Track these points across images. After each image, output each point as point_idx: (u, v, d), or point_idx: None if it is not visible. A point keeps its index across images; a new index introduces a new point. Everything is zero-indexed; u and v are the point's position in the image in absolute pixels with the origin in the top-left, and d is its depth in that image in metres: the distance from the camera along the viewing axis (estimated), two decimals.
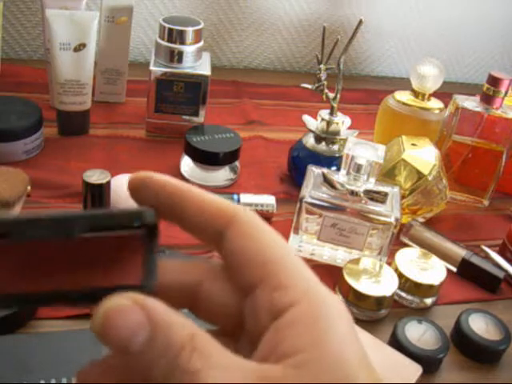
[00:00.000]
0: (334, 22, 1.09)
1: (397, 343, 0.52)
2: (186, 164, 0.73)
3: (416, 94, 0.80)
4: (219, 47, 1.07)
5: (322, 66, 0.70)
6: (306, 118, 0.75)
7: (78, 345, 0.46)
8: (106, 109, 0.85)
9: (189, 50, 0.76)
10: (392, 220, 0.59)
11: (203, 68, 0.78)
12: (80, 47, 0.71)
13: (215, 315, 0.24)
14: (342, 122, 0.72)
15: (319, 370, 0.19)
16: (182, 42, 0.75)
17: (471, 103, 0.75)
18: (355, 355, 0.20)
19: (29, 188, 0.60)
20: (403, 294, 0.60)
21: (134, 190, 0.24)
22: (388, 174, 0.69)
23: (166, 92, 0.77)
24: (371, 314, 0.57)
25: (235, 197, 0.67)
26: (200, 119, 0.79)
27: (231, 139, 0.73)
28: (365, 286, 0.56)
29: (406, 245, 0.68)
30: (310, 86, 0.71)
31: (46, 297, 0.20)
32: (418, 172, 0.68)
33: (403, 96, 0.81)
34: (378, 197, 0.60)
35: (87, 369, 0.23)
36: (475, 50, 1.19)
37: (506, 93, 0.73)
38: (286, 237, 0.63)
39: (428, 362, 0.52)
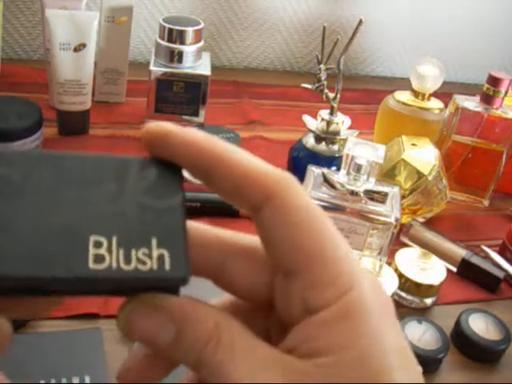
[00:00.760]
0: (334, 22, 1.08)
1: None
2: None
3: (416, 93, 0.80)
4: (219, 47, 1.07)
5: (322, 66, 0.70)
6: (306, 118, 0.74)
7: (78, 345, 0.46)
8: (106, 109, 0.85)
9: (189, 50, 0.76)
10: (392, 220, 0.59)
11: (203, 68, 0.78)
12: (80, 47, 0.71)
13: (241, 291, 0.23)
14: (342, 121, 0.72)
15: (349, 374, 0.19)
16: (182, 42, 0.75)
17: (471, 103, 0.75)
18: (392, 359, 0.19)
19: None
20: (403, 294, 0.60)
21: (151, 146, 0.21)
22: (388, 174, 0.69)
23: (166, 92, 0.77)
24: None
25: None
26: (200, 119, 0.79)
27: (231, 139, 0.73)
28: None
29: (406, 245, 0.68)
30: (310, 86, 0.71)
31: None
32: (418, 172, 0.68)
33: (403, 96, 0.81)
34: (377, 197, 0.60)
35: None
36: (475, 50, 1.19)
37: (506, 93, 0.73)
38: None
39: (428, 362, 0.52)
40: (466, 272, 0.65)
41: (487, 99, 0.73)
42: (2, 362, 0.46)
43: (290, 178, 0.21)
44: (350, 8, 1.09)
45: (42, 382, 0.43)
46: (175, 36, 0.75)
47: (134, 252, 0.20)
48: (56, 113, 0.76)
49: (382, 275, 0.58)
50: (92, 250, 0.19)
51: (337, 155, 0.72)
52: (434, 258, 0.62)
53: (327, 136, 0.72)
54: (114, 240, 0.19)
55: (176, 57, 0.76)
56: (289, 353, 0.20)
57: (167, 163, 0.22)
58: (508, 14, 1.17)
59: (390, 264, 0.61)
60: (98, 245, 0.19)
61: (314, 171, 0.63)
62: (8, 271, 0.18)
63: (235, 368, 0.19)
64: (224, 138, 0.73)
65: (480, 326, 0.56)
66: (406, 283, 0.59)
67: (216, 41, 1.06)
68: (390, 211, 0.59)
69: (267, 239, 0.21)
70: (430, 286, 0.59)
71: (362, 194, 0.60)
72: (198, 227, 0.22)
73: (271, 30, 1.08)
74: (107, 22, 0.80)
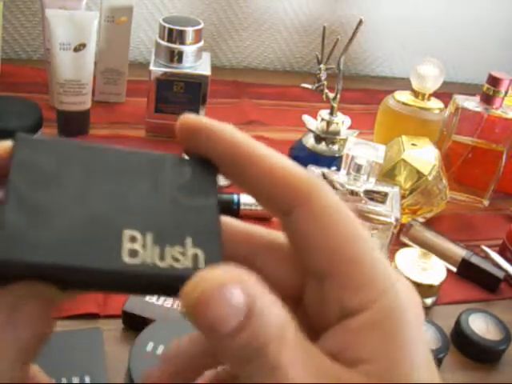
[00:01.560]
0: (334, 22, 1.08)
1: None
2: None
3: (416, 93, 0.80)
4: (219, 47, 1.07)
5: (322, 66, 0.70)
6: (306, 118, 0.75)
7: (78, 345, 0.46)
8: (106, 109, 0.85)
9: (189, 50, 0.76)
10: (392, 220, 0.59)
11: (203, 68, 0.78)
12: (80, 47, 0.71)
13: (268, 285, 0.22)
14: (342, 122, 0.72)
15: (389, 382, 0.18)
16: (182, 42, 0.75)
17: (471, 103, 0.75)
18: (421, 373, 0.19)
19: None
20: None
21: (186, 138, 0.21)
22: (388, 174, 0.69)
23: (166, 92, 0.77)
24: None
25: (235, 197, 0.67)
26: None
27: None
28: None
29: (406, 245, 0.68)
30: (310, 86, 0.71)
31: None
32: (418, 172, 0.68)
33: (403, 96, 0.81)
34: (377, 197, 0.60)
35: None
36: (475, 50, 1.19)
37: (506, 93, 0.73)
38: None
39: None
40: (466, 272, 0.65)
41: (487, 99, 0.73)
42: None
43: (321, 182, 0.21)
44: (350, 8, 1.09)
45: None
46: (175, 36, 0.75)
47: (168, 249, 0.19)
48: (56, 113, 0.76)
49: None
50: (126, 244, 0.19)
51: (337, 155, 0.72)
52: (434, 258, 0.62)
53: (327, 136, 0.72)
54: (149, 236, 0.19)
55: (176, 57, 0.76)
56: (332, 360, 0.19)
57: (203, 161, 0.21)
58: (508, 14, 1.17)
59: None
60: (132, 240, 0.19)
61: (313, 171, 0.63)
62: (35, 258, 0.17)
63: (293, 371, 0.18)
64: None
65: (480, 326, 0.56)
66: None
67: (216, 41, 1.06)
68: (390, 211, 0.59)
69: (299, 242, 0.20)
70: (430, 286, 0.59)
71: (362, 194, 0.60)
72: (228, 221, 0.22)
73: (271, 30, 1.08)
74: (107, 22, 0.80)
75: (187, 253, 0.20)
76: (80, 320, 0.50)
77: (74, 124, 0.76)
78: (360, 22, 0.66)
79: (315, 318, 0.21)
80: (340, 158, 0.70)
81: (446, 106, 0.80)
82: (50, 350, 0.45)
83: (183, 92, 0.77)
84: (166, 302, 0.50)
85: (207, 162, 0.21)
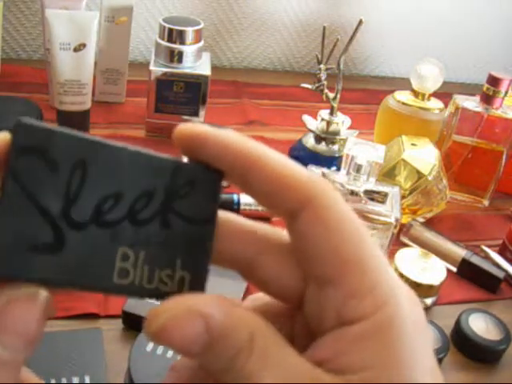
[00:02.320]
0: (334, 22, 1.09)
1: None
2: None
3: (416, 94, 0.80)
4: (219, 47, 1.07)
5: (322, 66, 0.70)
6: (306, 118, 0.75)
7: (78, 345, 0.46)
8: (106, 109, 0.85)
9: (189, 50, 0.76)
10: (392, 220, 0.59)
11: (203, 68, 0.78)
12: (80, 47, 0.71)
13: (269, 287, 0.22)
14: (342, 122, 0.72)
15: None
16: (182, 42, 0.75)
17: (471, 103, 0.75)
18: (428, 376, 0.19)
19: None
20: None
21: (185, 147, 0.21)
22: (388, 174, 0.69)
23: (166, 92, 0.77)
24: None
25: (235, 197, 0.67)
26: (200, 119, 0.79)
27: None
28: None
29: (406, 245, 0.68)
30: (310, 86, 0.71)
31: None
32: (418, 172, 0.68)
33: (403, 96, 0.81)
34: (377, 197, 0.60)
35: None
36: (475, 50, 1.19)
37: (506, 93, 0.73)
38: None
39: None
40: (466, 272, 0.65)
41: (487, 99, 0.73)
42: None
43: (328, 185, 0.20)
44: (350, 8, 1.09)
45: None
46: (175, 36, 0.75)
47: (157, 272, 0.20)
48: (56, 113, 0.76)
49: None
50: (118, 263, 0.19)
51: (337, 155, 0.72)
52: (434, 258, 0.62)
53: (327, 136, 0.72)
54: (141, 256, 0.20)
55: (176, 57, 0.76)
56: (318, 365, 0.19)
57: (207, 167, 0.21)
58: (508, 14, 1.17)
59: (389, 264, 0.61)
60: (124, 258, 0.19)
61: (313, 171, 0.63)
62: (30, 275, 0.18)
63: (265, 379, 0.18)
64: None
65: (480, 325, 0.56)
66: (405, 283, 0.59)
67: (216, 41, 1.06)
68: (390, 211, 0.59)
69: (303, 246, 0.20)
70: (430, 286, 0.59)
71: (362, 194, 0.60)
72: (234, 219, 0.22)
73: (271, 30, 1.08)
74: (107, 22, 0.80)
75: (175, 276, 0.20)
76: (80, 320, 0.50)
77: (74, 124, 0.76)
78: (360, 22, 0.66)
79: (313, 323, 0.21)
80: (340, 158, 0.70)
81: (446, 106, 0.80)
82: (50, 349, 0.45)
83: (183, 92, 0.77)
84: None
85: (211, 167, 0.21)
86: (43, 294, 0.19)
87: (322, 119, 0.72)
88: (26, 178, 0.18)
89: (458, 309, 0.58)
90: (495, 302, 0.63)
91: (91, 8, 0.89)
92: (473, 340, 0.55)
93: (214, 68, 0.79)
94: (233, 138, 0.20)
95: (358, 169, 0.59)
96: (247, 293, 0.52)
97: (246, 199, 0.67)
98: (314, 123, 0.74)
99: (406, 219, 0.69)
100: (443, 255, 0.65)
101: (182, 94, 0.77)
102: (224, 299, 0.19)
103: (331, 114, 0.72)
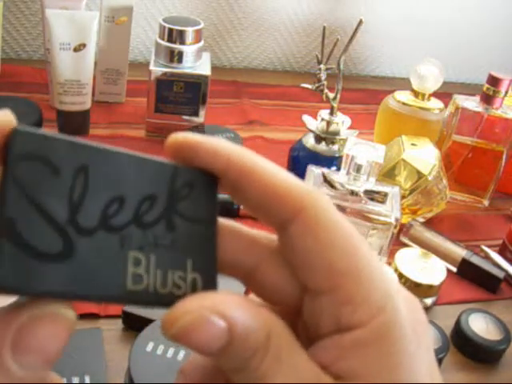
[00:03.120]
0: (334, 22, 1.09)
1: None
2: None
3: (416, 94, 0.80)
4: (219, 47, 1.07)
5: (322, 66, 0.70)
6: (306, 118, 0.74)
7: (78, 345, 0.46)
8: (106, 109, 0.85)
9: (189, 50, 0.76)
10: (392, 220, 0.59)
11: (203, 68, 0.78)
12: (80, 47, 0.71)
13: (270, 294, 0.22)
14: (342, 122, 0.72)
15: None
16: (182, 42, 0.75)
17: (471, 103, 0.75)
18: (428, 379, 0.19)
19: None
20: None
21: (178, 157, 0.21)
22: (388, 174, 0.69)
23: (165, 92, 0.77)
24: None
25: None
26: (200, 119, 0.79)
27: (231, 139, 0.73)
28: None
29: (406, 245, 0.68)
30: (310, 86, 0.71)
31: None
32: (418, 172, 0.68)
33: (403, 96, 0.81)
34: (377, 197, 0.60)
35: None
36: (475, 50, 1.19)
37: (506, 93, 0.73)
38: None
39: None
40: (466, 272, 0.65)
41: (487, 99, 0.73)
42: None
43: (319, 194, 0.20)
44: (350, 8, 1.09)
45: None
46: (175, 36, 0.75)
47: (170, 275, 0.20)
48: (56, 113, 0.76)
49: None
50: (131, 269, 0.19)
51: (337, 155, 0.72)
52: (434, 258, 0.62)
53: (327, 136, 0.72)
54: (152, 259, 0.19)
55: (176, 57, 0.76)
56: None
57: (203, 173, 0.21)
58: (508, 14, 1.17)
59: (390, 264, 0.61)
60: (136, 262, 0.19)
61: (313, 171, 0.63)
62: (42, 287, 0.17)
63: (277, 380, 0.18)
64: (224, 138, 0.73)
65: (480, 326, 0.56)
66: (405, 283, 0.59)
67: (216, 41, 1.06)
68: (390, 211, 0.59)
69: (296, 256, 0.20)
70: (430, 286, 0.59)
71: (362, 194, 0.60)
72: (234, 227, 0.22)
73: (271, 30, 1.08)
74: (107, 22, 0.80)
75: (187, 278, 0.20)
76: (80, 320, 0.50)
77: (74, 124, 0.76)
78: (360, 22, 0.66)
79: (311, 327, 0.21)
80: (340, 158, 0.70)
81: (446, 106, 0.80)
82: None
83: (183, 92, 0.77)
84: None
85: (207, 173, 0.21)
86: (71, 313, 0.18)
87: (322, 119, 0.72)
88: (27, 185, 0.17)
89: (458, 309, 0.58)
90: (495, 302, 0.63)
91: (91, 8, 0.89)
92: (473, 340, 0.55)
93: (214, 68, 0.79)
94: (224, 146, 0.20)
95: (358, 169, 0.59)
96: (247, 292, 0.52)
97: None
98: (314, 123, 0.74)
99: (405, 219, 0.69)
100: (443, 255, 0.65)
101: (181, 94, 0.77)
102: (245, 299, 0.19)
103: (331, 113, 0.72)
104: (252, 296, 0.23)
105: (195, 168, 0.21)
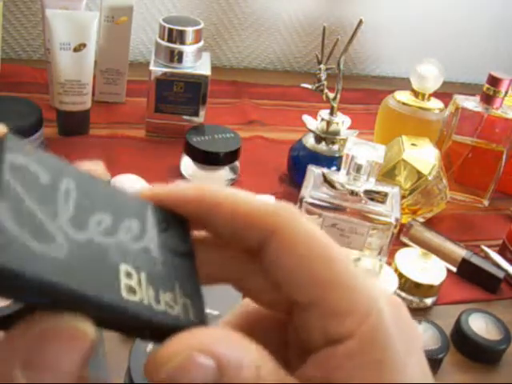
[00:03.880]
0: (334, 22, 1.08)
1: None
2: (186, 164, 0.73)
3: (416, 94, 0.80)
4: (219, 47, 1.07)
5: (322, 66, 0.70)
6: (306, 118, 0.74)
7: None
8: (106, 109, 0.85)
9: (189, 50, 0.76)
10: (392, 220, 0.59)
11: (203, 68, 0.78)
12: (80, 47, 0.71)
13: (260, 300, 0.22)
14: (342, 122, 0.72)
15: None
16: (182, 42, 0.75)
17: (471, 103, 0.75)
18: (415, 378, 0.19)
19: None
20: (403, 294, 0.60)
21: (155, 202, 0.21)
22: (388, 174, 0.69)
23: (165, 92, 0.77)
24: None
25: None
26: (200, 119, 0.79)
27: (231, 139, 0.73)
28: None
29: (406, 245, 0.68)
30: (309, 86, 0.71)
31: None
32: (418, 172, 0.68)
33: (403, 96, 0.81)
34: (377, 197, 0.60)
35: None
36: (475, 50, 1.19)
37: (506, 93, 0.73)
38: None
39: (428, 362, 0.52)
40: (466, 272, 0.65)
41: (487, 99, 0.73)
42: None
43: (289, 209, 0.20)
44: (350, 8, 1.09)
45: None
46: (175, 36, 0.75)
47: (162, 294, 0.19)
48: (56, 113, 0.76)
49: (381, 275, 0.58)
50: (123, 279, 0.18)
51: (337, 155, 0.72)
52: (434, 258, 0.62)
53: (327, 136, 0.72)
54: (143, 276, 0.19)
55: (176, 57, 0.76)
56: (308, 381, 0.19)
57: (175, 214, 0.21)
58: (508, 14, 1.17)
59: (390, 264, 0.61)
60: (128, 275, 0.18)
61: (314, 171, 0.63)
62: (38, 273, 0.16)
63: None
64: (224, 138, 0.73)
65: (480, 325, 0.56)
66: (405, 283, 0.59)
67: (216, 41, 1.06)
68: (390, 211, 0.59)
69: (277, 275, 0.20)
70: (430, 286, 0.59)
71: (362, 194, 0.60)
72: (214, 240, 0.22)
73: (271, 30, 1.08)
74: (107, 22, 0.80)
75: (178, 301, 0.19)
76: None
77: (74, 124, 0.76)
78: (360, 22, 0.66)
79: (304, 341, 0.20)
80: (340, 158, 0.70)
81: (446, 106, 0.80)
82: None
83: (183, 92, 0.77)
84: None
85: (179, 214, 0.21)
86: (90, 329, 0.17)
87: (322, 119, 0.72)
88: (20, 192, 0.17)
89: (458, 309, 0.58)
90: (495, 302, 0.63)
91: (91, 8, 0.89)
92: (473, 340, 0.55)
93: (214, 68, 0.79)
94: (186, 193, 0.21)
95: (358, 169, 0.59)
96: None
97: None
98: (314, 123, 0.74)
99: (405, 219, 0.69)
100: (443, 255, 0.65)
101: (181, 94, 0.77)
102: (233, 333, 0.19)
103: (331, 114, 0.72)
104: (247, 301, 0.23)
105: (166, 210, 0.21)
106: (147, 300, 0.18)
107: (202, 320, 0.20)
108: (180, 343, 0.18)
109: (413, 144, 0.71)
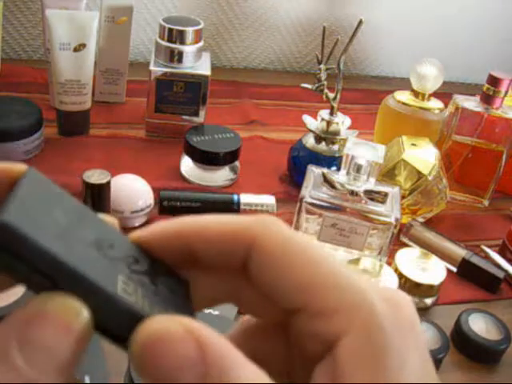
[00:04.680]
0: (334, 22, 1.09)
1: None
2: (186, 164, 0.73)
3: (416, 94, 0.80)
4: (219, 47, 1.07)
5: (322, 66, 0.70)
6: (306, 118, 0.75)
7: None
8: (106, 109, 0.85)
9: (189, 50, 0.76)
10: (392, 220, 0.59)
11: (203, 68, 0.78)
12: (80, 47, 0.71)
13: (260, 317, 0.22)
14: (342, 122, 0.72)
15: None
16: (182, 42, 0.75)
17: (471, 103, 0.75)
18: (420, 373, 0.18)
19: None
20: None
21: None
22: (388, 174, 0.69)
23: (165, 92, 0.77)
24: None
25: (235, 197, 0.67)
26: (200, 119, 0.79)
27: (231, 139, 0.73)
28: None
29: (406, 245, 0.68)
30: (309, 86, 0.71)
31: None
32: (418, 172, 0.68)
33: (403, 96, 0.81)
34: (377, 197, 0.60)
35: None
36: (475, 50, 1.19)
37: (506, 93, 0.73)
38: None
39: None
40: (466, 272, 0.65)
41: (487, 99, 0.73)
42: None
43: (264, 219, 0.20)
44: (350, 8, 1.09)
45: None
46: (175, 36, 0.75)
47: (156, 309, 0.19)
48: (56, 113, 0.76)
49: (381, 275, 0.58)
50: (120, 283, 0.18)
51: (337, 155, 0.72)
52: (434, 258, 0.62)
53: (327, 136, 0.72)
54: (140, 291, 0.19)
55: (176, 57, 0.76)
56: None
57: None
58: (508, 14, 1.17)
59: (390, 264, 0.61)
60: (126, 283, 0.18)
61: (314, 171, 0.63)
62: (40, 241, 0.16)
63: None
64: (224, 138, 0.73)
65: (480, 325, 0.56)
66: (405, 283, 0.59)
67: (216, 41, 1.06)
68: (390, 211, 0.59)
69: (263, 287, 0.20)
70: (430, 286, 0.59)
71: (362, 194, 0.60)
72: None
73: (271, 30, 1.08)
74: (107, 22, 0.80)
75: None
76: None
77: (73, 124, 0.77)
78: (360, 22, 0.66)
79: (305, 352, 0.20)
80: (340, 158, 0.70)
81: (446, 106, 0.80)
82: None
83: (183, 92, 0.77)
84: None
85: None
86: (84, 313, 0.17)
87: (322, 119, 0.72)
88: (29, 200, 0.18)
89: (458, 309, 0.58)
90: (495, 302, 0.63)
91: (91, 8, 0.89)
92: (473, 340, 0.55)
93: (214, 68, 0.79)
94: (164, 229, 0.21)
95: (358, 169, 0.59)
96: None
97: (246, 199, 0.67)
98: (314, 123, 0.74)
99: (405, 219, 0.69)
100: (443, 255, 0.65)
101: (181, 94, 0.77)
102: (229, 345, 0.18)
103: (331, 114, 0.72)
104: (248, 318, 0.23)
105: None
106: (141, 304, 0.18)
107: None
108: (162, 317, 0.17)
109: (413, 144, 0.71)
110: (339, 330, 0.18)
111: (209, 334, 0.17)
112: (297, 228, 0.62)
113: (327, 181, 0.61)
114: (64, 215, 0.19)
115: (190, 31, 0.75)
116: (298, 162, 0.73)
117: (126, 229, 0.60)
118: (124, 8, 0.80)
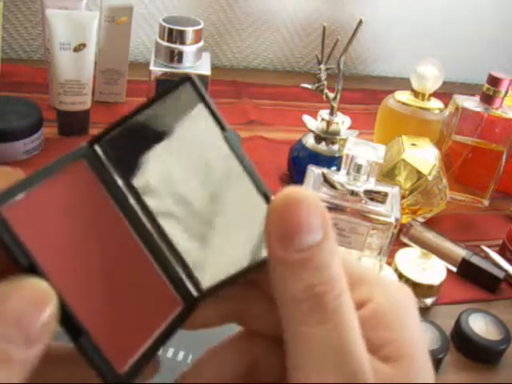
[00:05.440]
0: (334, 22, 1.08)
1: None
2: None
3: (416, 94, 0.80)
4: (219, 47, 1.07)
5: (322, 66, 0.70)
6: (306, 118, 0.74)
7: None
8: (106, 109, 0.85)
9: (189, 49, 0.76)
10: (392, 220, 0.59)
11: (203, 68, 0.78)
12: (80, 47, 0.71)
13: (265, 331, 0.23)
14: (342, 122, 0.72)
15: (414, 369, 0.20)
16: (182, 42, 0.75)
17: (471, 103, 0.75)
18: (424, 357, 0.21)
19: None
20: None
21: None
22: (388, 174, 0.69)
23: None
24: None
25: None
26: None
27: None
28: None
29: (406, 245, 0.68)
30: (309, 86, 0.71)
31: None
32: (418, 172, 0.68)
33: (403, 96, 0.81)
34: (377, 197, 0.60)
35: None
36: (475, 50, 1.19)
37: (506, 93, 0.73)
38: None
39: None
40: (466, 272, 0.65)
41: (487, 99, 0.73)
42: None
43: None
44: (350, 8, 1.08)
45: None
46: (175, 36, 0.75)
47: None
48: (56, 113, 0.76)
49: (381, 275, 0.58)
50: None
51: (337, 155, 0.72)
52: (434, 258, 0.62)
53: (327, 136, 0.72)
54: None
55: (176, 57, 0.76)
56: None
57: None
58: (508, 14, 1.17)
59: (390, 264, 0.61)
60: None
61: (314, 171, 0.63)
62: None
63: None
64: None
65: (480, 325, 0.56)
66: (405, 283, 0.59)
67: (216, 41, 1.06)
68: (390, 211, 0.59)
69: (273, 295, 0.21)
70: (430, 286, 0.59)
71: (362, 194, 0.60)
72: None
73: (271, 30, 1.08)
74: (107, 22, 0.80)
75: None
76: None
77: (73, 124, 0.76)
78: (360, 22, 0.66)
79: None
80: (340, 158, 0.70)
81: (445, 106, 0.80)
82: None
83: None
84: None
85: None
86: (52, 294, 0.18)
87: (322, 119, 0.72)
88: None
89: (458, 309, 0.58)
90: (495, 302, 0.63)
91: (91, 8, 0.89)
92: (473, 340, 0.55)
93: (214, 68, 0.79)
94: None
95: (358, 169, 0.59)
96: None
97: None
98: (314, 123, 0.74)
99: (405, 219, 0.69)
100: (443, 255, 0.65)
101: None
102: None
103: (331, 114, 0.72)
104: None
105: None
106: None
107: None
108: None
109: (413, 144, 0.71)
110: (362, 298, 0.21)
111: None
112: None
113: (327, 181, 0.61)
114: None
115: (189, 31, 0.75)
116: (298, 162, 0.73)
117: None
118: (124, 8, 0.80)
